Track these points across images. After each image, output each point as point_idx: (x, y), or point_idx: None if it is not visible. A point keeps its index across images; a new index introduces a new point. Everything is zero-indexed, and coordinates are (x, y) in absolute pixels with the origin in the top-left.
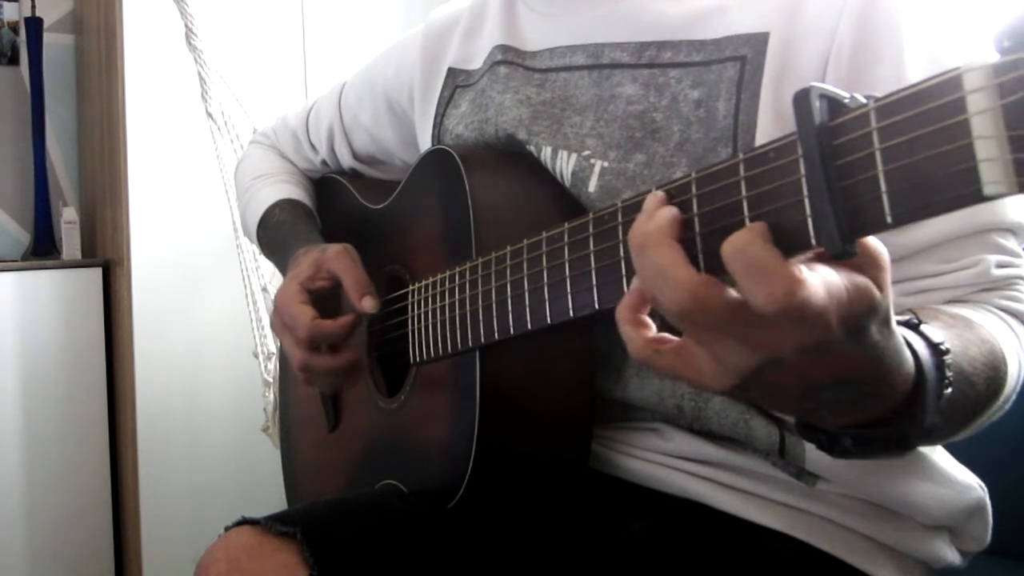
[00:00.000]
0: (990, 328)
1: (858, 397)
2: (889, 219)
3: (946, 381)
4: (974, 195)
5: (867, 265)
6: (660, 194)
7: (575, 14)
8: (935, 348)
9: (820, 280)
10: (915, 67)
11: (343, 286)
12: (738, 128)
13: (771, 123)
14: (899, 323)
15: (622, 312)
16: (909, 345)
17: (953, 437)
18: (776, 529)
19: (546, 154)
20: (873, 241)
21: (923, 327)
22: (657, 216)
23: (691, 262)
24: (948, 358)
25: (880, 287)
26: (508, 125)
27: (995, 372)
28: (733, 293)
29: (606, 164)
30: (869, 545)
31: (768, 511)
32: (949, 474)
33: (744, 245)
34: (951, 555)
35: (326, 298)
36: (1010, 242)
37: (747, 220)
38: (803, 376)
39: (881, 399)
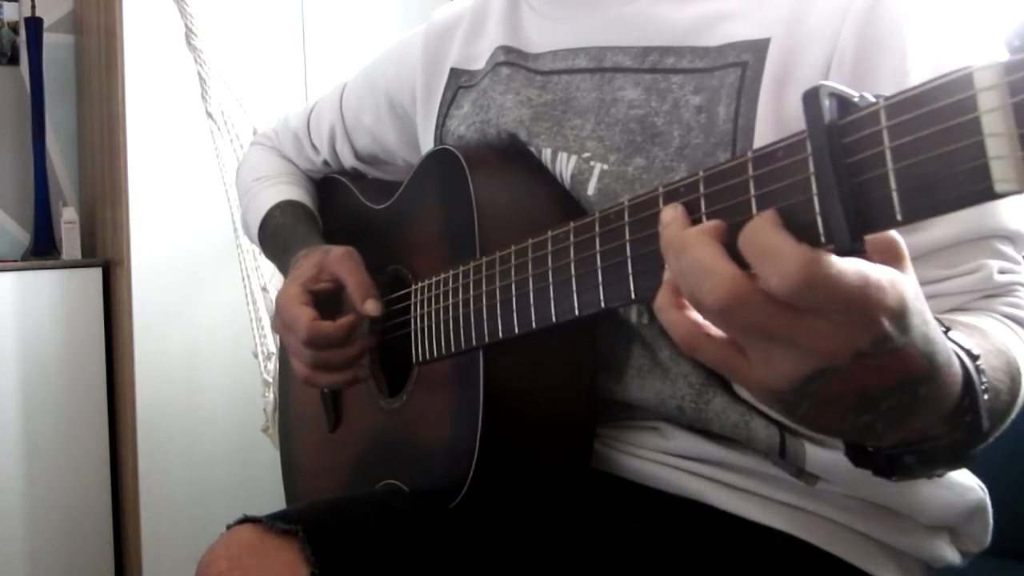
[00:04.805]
0: (1002, 338)
1: (914, 402)
2: (899, 217)
3: (984, 386)
4: (985, 192)
5: (888, 259)
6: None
7: (579, 17)
8: (968, 354)
9: (853, 267)
10: (918, 75)
11: (346, 289)
12: (737, 133)
13: (770, 128)
14: None
15: (663, 299)
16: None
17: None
18: (777, 528)
19: (546, 156)
20: (885, 234)
21: (951, 333)
22: (702, 224)
23: None
24: (981, 363)
25: (906, 274)
26: (509, 126)
27: (1013, 382)
28: None
29: (605, 167)
30: (869, 544)
31: (769, 510)
32: (949, 476)
33: (754, 233)
34: (951, 555)
35: (327, 300)
36: (1010, 249)
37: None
38: (858, 384)
39: (937, 402)
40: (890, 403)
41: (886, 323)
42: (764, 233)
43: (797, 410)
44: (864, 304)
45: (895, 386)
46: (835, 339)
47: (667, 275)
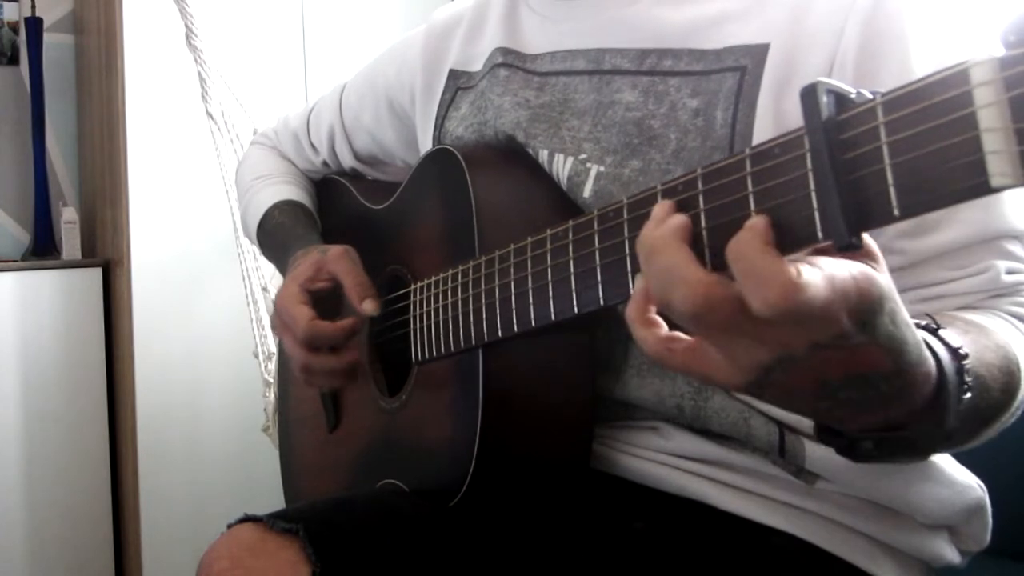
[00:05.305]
0: (1003, 334)
1: (877, 396)
2: (896, 212)
3: (966, 386)
4: (981, 187)
5: (863, 255)
6: (668, 203)
7: (578, 19)
8: (954, 352)
9: (821, 276)
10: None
11: (344, 288)
12: (735, 137)
13: (769, 133)
14: (918, 327)
15: (632, 312)
16: (929, 347)
17: (968, 444)
18: (776, 527)
19: (543, 157)
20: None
21: (941, 331)
22: (668, 222)
23: (698, 259)
24: (967, 362)
25: (880, 273)
26: (506, 127)
27: (1010, 378)
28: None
29: (602, 169)
30: (869, 544)
31: (768, 509)
32: (949, 474)
33: (743, 249)
34: (951, 554)
35: (326, 299)
36: (1018, 249)
37: (753, 216)
38: (817, 373)
39: (902, 399)
40: (849, 394)
41: (846, 322)
42: (753, 251)
43: (763, 397)
44: (828, 311)
45: (855, 378)
46: (796, 336)
47: (638, 284)
